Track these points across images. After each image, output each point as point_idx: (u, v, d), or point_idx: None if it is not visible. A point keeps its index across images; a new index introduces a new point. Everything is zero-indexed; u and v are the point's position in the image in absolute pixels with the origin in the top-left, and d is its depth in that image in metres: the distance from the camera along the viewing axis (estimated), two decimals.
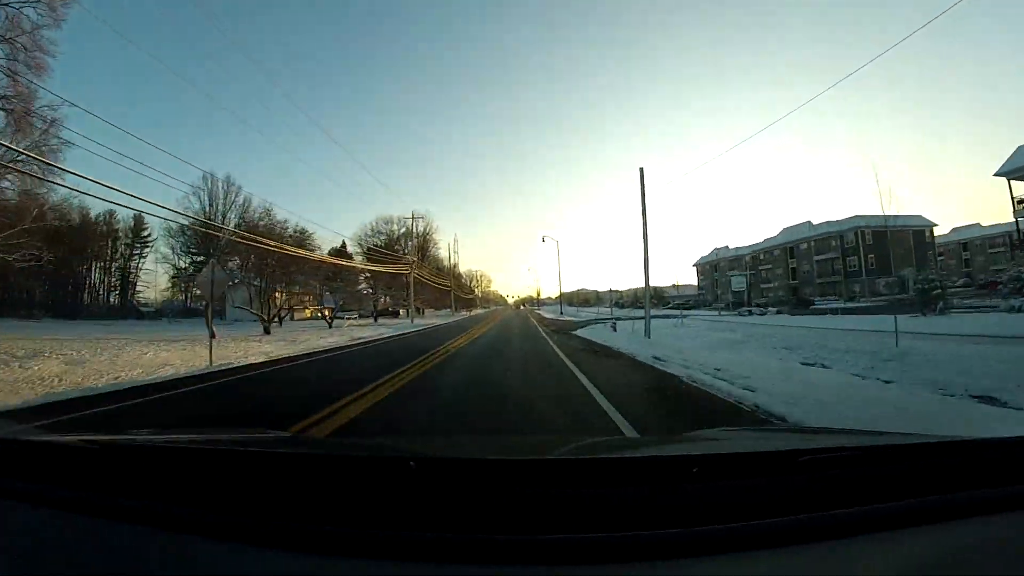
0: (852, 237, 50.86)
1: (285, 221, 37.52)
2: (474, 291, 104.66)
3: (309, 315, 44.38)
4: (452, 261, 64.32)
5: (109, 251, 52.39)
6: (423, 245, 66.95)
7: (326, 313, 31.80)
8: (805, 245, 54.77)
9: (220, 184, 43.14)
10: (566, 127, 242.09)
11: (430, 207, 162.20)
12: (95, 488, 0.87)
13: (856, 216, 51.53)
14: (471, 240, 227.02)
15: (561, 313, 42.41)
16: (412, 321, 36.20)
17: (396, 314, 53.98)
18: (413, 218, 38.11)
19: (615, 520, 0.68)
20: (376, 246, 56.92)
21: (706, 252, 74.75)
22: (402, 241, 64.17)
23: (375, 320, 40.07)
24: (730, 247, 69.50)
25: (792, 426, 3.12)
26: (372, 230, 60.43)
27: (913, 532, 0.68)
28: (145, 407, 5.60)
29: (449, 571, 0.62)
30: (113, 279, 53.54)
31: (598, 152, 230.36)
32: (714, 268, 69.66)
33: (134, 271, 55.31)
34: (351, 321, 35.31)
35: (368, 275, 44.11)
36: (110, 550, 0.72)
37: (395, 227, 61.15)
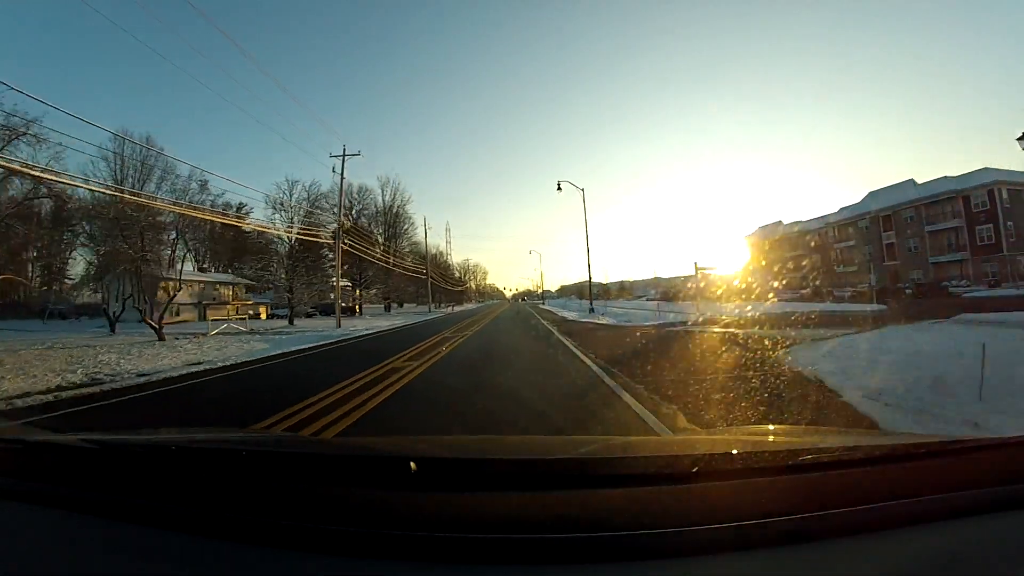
0: (983, 198, 36.16)
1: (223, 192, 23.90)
2: (465, 283, 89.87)
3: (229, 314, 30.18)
4: (427, 241, 49.77)
5: (30, 239, 39.45)
6: (393, 222, 51.94)
7: (155, 318, 17.26)
8: (911, 212, 40.02)
9: (139, 147, 28.80)
10: (565, 114, 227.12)
11: (422, 196, 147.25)
12: (94, 487, 0.86)
13: (985, 169, 36.85)
14: (465, 231, 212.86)
15: (592, 310, 24.16)
16: (340, 323, 21.62)
17: (353, 311, 39.36)
18: (344, 155, 22.86)
19: (615, 520, 0.68)
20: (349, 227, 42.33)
21: (750, 231, 59.87)
22: (371, 219, 49.42)
23: (291, 322, 25.50)
24: (784, 222, 54.63)
25: (793, 426, 3.13)
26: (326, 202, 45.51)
27: (913, 532, 0.68)
28: None
29: (449, 571, 0.62)
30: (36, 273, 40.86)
31: (599, 134, 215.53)
32: (762, 249, 54.95)
33: (61, 262, 42.66)
34: (229, 327, 20.75)
35: (287, 256, 29.11)
36: (110, 550, 0.71)
37: (355, 198, 46.01)
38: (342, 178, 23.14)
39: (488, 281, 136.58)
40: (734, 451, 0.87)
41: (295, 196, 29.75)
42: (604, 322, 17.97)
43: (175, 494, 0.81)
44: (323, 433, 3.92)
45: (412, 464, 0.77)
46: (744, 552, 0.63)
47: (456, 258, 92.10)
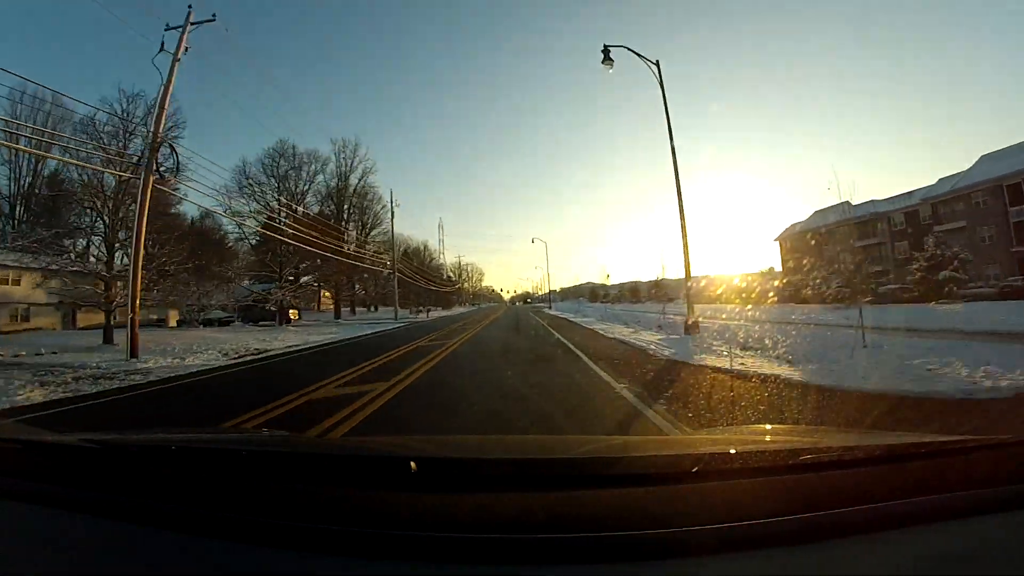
0: None
1: None
2: (454, 283, 78.55)
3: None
4: (394, 225, 37.90)
5: None
6: (357, 202, 40.50)
7: None
8: None
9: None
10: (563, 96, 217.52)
11: (417, 194, 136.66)
12: (94, 487, 0.87)
13: None
14: (459, 231, 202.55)
15: (690, 329, 10.12)
16: (130, 350, 10.21)
17: (277, 317, 28.14)
18: (187, 26, 12.03)
19: (615, 520, 0.68)
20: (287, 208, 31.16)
21: (805, 216, 48.80)
22: (326, 197, 38.18)
23: (107, 340, 14.26)
24: (852, 202, 43.38)
25: (792, 426, 3.10)
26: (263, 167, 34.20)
27: (913, 532, 0.68)
28: None
29: (449, 571, 0.63)
30: None
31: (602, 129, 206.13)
32: (823, 239, 43.95)
33: None
34: None
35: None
36: (110, 550, 0.72)
37: (288, 166, 34.67)
38: (175, 61, 12.00)
39: (485, 283, 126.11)
40: (734, 451, 0.86)
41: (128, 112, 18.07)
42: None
43: (175, 494, 0.81)
44: None
45: (412, 464, 0.77)
46: (744, 552, 0.63)
47: (450, 259, 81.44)
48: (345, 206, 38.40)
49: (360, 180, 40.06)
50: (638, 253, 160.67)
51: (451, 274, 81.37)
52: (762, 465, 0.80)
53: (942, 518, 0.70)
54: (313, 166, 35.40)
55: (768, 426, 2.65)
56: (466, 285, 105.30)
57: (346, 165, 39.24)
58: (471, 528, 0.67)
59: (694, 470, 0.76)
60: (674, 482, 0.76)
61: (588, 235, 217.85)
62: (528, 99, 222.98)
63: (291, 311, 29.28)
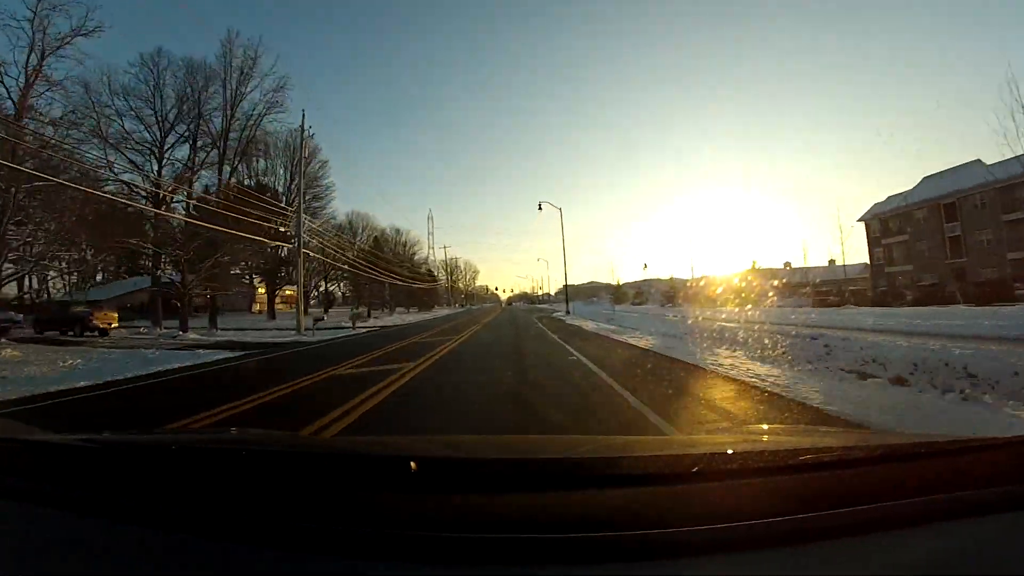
0: None
1: None
2: (435, 279, 66.18)
3: None
4: (303, 166, 24.36)
5: None
6: (227, 117, 27.56)
7: None
8: None
9: None
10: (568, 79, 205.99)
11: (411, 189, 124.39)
12: (94, 488, 0.87)
13: None
14: (457, 226, 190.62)
15: None
16: None
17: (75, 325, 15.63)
18: None
19: (615, 520, 0.68)
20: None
21: (908, 186, 36.57)
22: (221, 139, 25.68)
23: None
24: (984, 161, 31.22)
25: (793, 426, 3.05)
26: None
27: (913, 532, 0.68)
28: None
29: (450, 572, 0.63)
30: None
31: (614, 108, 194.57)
32: (942, 215, 31.97)
33: None
34: None
35: None
36: (109, 550, 0.72)
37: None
38: None
39: (480, 282, 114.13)
40: (734, 451, 0.87)
41: None
42: None
43: (175, 495, 0.81)
44: None
45: (412, 464, 0.77)
46: (744, 552, 0.63)
47: (442, 255, 69.52)
48: (235, 145, 24.32)
49: (261, 107, 24.42)
50: (646, 252, 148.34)
51: (439, 271, 69.59)
52: (762, 465, 0.79)
53: (942, 518, 0.70)
54: (193, 76, 22.36)
55: (767, 426, 2.70)
56: (460, 284, 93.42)
57: (233, 76, 23.55)
58: (472, 528, 0.67)
59: (694, 470, 0.75)
60: (674, 482, 0.75)
61: (589, 235, 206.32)
62: (528, 90, 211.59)
63: (100, 316, 17.09)
